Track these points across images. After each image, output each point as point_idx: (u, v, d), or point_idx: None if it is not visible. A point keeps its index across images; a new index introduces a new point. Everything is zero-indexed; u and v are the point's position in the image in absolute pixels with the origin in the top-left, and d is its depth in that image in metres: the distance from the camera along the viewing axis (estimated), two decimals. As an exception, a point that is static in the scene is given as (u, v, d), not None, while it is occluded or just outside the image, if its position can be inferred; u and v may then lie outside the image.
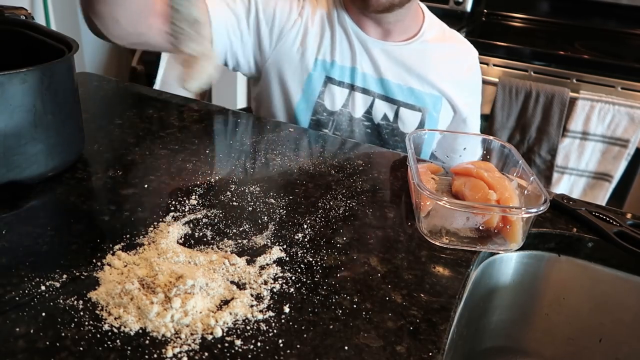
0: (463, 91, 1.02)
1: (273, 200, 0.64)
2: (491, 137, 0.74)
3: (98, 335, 0.41)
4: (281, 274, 0.51)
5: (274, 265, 0.52)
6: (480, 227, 0.60)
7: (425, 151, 0.96)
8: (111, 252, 0.51)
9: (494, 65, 1.66)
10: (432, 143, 0.98)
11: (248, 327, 0.44)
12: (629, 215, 0.67)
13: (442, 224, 0.60)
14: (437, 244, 0.58)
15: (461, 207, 0.58)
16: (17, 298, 0.44)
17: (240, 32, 0.91)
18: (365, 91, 0.97)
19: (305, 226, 0.59)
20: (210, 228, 0.57)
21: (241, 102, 2.19)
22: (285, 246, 0.55)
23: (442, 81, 0.99)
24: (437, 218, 0.60)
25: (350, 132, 0.99)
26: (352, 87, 0.97)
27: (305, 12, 0.94)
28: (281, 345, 0.42)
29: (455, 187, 0.69)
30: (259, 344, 0.42)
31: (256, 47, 0.94)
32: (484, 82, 1.59)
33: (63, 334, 0.41)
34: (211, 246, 0.54)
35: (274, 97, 0.99)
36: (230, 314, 0.45)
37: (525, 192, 0.64)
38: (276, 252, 0.54)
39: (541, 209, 0.55)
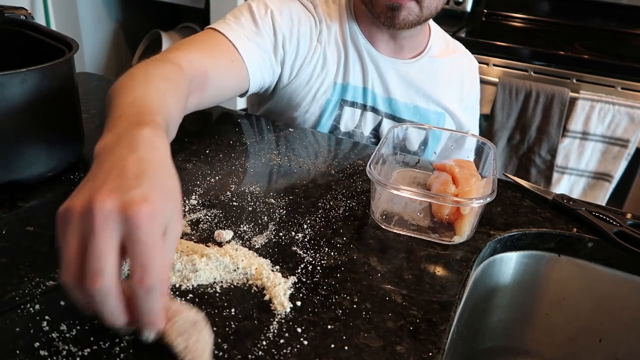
0: (466, 106, 1.04)
1: (273, 200, 0.64)
2: (472, 135, 0.76)
3: (99, 335, 0.41)
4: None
5: (274, 265, 0.52)
6: (435, 219, 0.63)
7: (428, 153, 0.96)
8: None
9: (494, 65, 1.66)
10: (436, 146, 0.98)
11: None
12: (629, 215, 0.67)
13: (386, 207, 0.63)
14: (385, 227, 0.60)
15: (396, 190, 0.58)
16: (17, 298, 0.44)
17: (272, 68, 0.88)
18: (374, 110, 0.97)
19: (305, 226, 0.59)
20: (210, 228, 0.57)
21: (241, 103, 2.19)
22: (285, 246, 0.55)
23: (446, 98, 1.00)
24: (384, 202, 0.64)
25: None
26: (364, 107, 0.97)
27: (323, 36, 0.92)
28: (281, 345, 0.42)
29: (429, 180, 0.71)
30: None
31: (280, 75, 0.92)
32: (484, 82, 1.60)
33: (64, 334, 0.41)
34: (211, 246, 0.54)
35: (289, 122, 0.97)
36: (230, 314, 0.45)
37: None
38: (276, 252, 0.54)
39: (479, 201, 0.56)
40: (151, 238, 0.35)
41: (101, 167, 0.39)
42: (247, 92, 0.87)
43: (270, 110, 1.00)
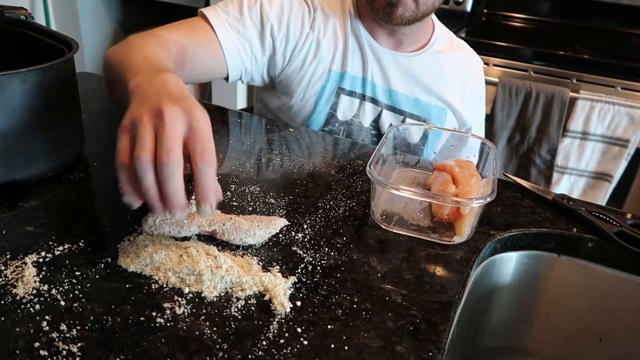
0: (469, 103, 1.04)
1: (273, 200, 0.64)
2: (472, 135, 0.76)
3: (99, 335, 0.41)
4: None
5: (274, 265, 0.52)
6: (435, 219, 0.63)
7: (427, 152, 0.96)
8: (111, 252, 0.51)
9: (494, 65, 1.66)
10: (435, 145, 0.98)
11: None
12: (629, 215, 0.67)
13: (386, 207, 0.63)
14: (385, 227, 0.60)
15: (396, 190, 0.57)
16: (17, 298, 0.44)
17: (254, 55, 0.91)
18: (374, 101, 0.98)
19: (305, 226, 0.59)
20: (210, 228, 0.57)
21: (241, 102, 2.19)
22: (285, 246, 0.55)
23: (449, 93, 1.00)
24: (384, 202, 0.64)
25: (359, 140, 1.00)
26: (363, 97, 0.98)
27: (317, 24, 0.94)
28: (281, 345, 0.42)
29: (429, 180, 0.71)
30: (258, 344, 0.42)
31: (270, 63, 0.94)
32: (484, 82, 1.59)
33: (64, 334, 0.41)
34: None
35: (287, 109, 0.99)
36: (230, 314, 0.45)
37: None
38: (276, 252, 0.54)
39: (479, 201, 0.55)
40: (207, 128, 0.45)
41: (147, 93, 0.47)
42: (228, 76, 0.90)
43: (271, 102, 1.01)
